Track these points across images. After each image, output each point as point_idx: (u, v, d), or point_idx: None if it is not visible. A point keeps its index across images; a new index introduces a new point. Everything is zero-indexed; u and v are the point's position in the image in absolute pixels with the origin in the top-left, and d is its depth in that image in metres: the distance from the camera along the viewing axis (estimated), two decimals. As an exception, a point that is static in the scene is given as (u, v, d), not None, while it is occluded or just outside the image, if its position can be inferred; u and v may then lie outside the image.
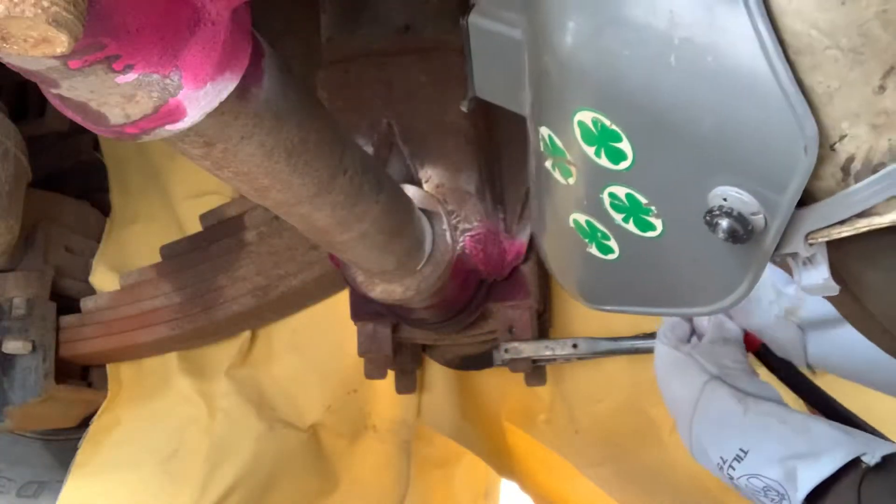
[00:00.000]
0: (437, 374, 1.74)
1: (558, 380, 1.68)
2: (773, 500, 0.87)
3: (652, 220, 0.59)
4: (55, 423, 1.80)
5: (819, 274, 0.56)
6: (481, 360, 1.69)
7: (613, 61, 0.51)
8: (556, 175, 0.64)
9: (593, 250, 0.67)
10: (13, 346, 1.58)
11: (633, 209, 0.60)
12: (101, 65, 0.55)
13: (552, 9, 0.54)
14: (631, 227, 0.61)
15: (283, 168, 0.78)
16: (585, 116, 0.55)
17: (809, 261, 0.56)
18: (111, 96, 0.59)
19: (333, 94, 1.41)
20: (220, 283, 1.65)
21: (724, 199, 0.52)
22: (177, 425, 1.72)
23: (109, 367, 1.77)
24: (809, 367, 1.03)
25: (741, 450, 0.91)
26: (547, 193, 0.69)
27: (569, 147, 0.60)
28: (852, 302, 0.59)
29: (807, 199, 0.51)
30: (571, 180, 0.62)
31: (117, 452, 1.72)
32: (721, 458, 0.93)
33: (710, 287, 0.62)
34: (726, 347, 1.02)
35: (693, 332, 1.07)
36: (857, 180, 0.49)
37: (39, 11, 0.44)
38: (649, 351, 1.38)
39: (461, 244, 1.32)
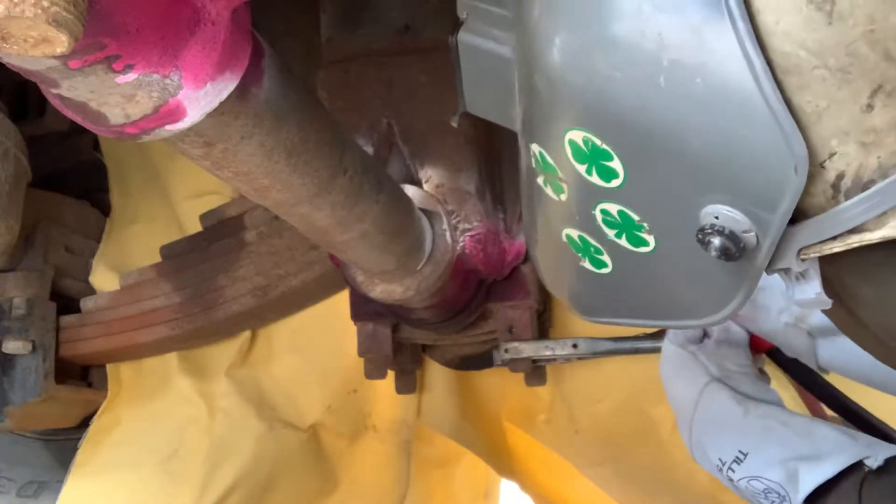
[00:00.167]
0: (437, 374, 1.74)
1: (558, 380, 1.68)
2: (773, 501, 0.87)
3: (644, 236, 0.60)
4: (55, 423, 1.80)
5: (811, 288, 0.56)
6: (481, 360, 1.69)
7: (603, 82, 0.52)
8: (548, 191, 0.64)
9: (586, 264, 0.67)
10: (13, 346, 1.58)
11: (625, 225, 0.60)
12: (101, 65, 0.55)
13: (540, 27, 0.54)
14: (624, 242, 0.62)
15: (283, 168, 0.78)
16: (576, 135, 0.56)
17: (802, 276, 0.56)
18: (111, 96, 0.59)
19: (333, 94, 1.41)
20: (220, 283, 1.65)
21: (716, 218, 0.53)
22: (177, 425, 1.72)
23: (109, 367, 1.77)
24: (821, 370, 1.03)
25: (740, 452, 0.91)
26: (539, 208, 0.70)
27: (560, 165, 0.60)
28: (847, 315, 0.60)
29: (798, 216, 0.52)
30: (563, 196, 0.62)
31: (117, 452, 1.72)
32: (720, 459, 0.93)
33: (703, 301, 0.62)
34: (730, 350, 1.02)
35: (705, 332, 1.07)
36: (847, 197, 0.49)
37: (39, 11, 0.44)
38: (649, 351, 1.39)
39: (461, 244, 1.32)
